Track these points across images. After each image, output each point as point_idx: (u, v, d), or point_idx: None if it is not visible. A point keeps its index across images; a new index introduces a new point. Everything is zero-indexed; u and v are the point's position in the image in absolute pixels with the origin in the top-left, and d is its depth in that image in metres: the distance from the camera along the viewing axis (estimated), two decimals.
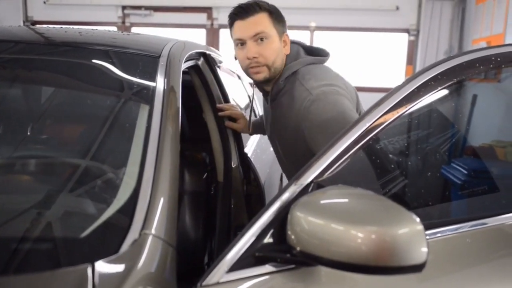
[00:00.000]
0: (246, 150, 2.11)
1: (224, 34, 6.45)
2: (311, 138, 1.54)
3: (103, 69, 1.42)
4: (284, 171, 1.97)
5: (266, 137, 2.81)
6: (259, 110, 3.13)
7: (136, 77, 1.39)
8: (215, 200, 1.93)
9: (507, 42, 4.32)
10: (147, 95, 1.26)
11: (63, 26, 1.81)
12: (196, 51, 1.91)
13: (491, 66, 1.26)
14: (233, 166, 1.94)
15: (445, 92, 1.22)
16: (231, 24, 1.68)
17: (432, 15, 5.95)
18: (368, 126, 1.06)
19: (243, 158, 2.02)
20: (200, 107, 2.01)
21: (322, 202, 0.91)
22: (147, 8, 6.43)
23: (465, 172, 1.37)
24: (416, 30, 6.13)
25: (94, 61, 1.46)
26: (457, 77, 1.21)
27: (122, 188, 1.03)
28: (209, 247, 2.00)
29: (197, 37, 6.38)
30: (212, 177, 2.02)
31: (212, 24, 6.39)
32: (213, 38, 6.44)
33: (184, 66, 1.68)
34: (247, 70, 1.69)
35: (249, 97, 3.00)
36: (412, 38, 6.19)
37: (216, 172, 1.96)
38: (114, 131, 1.24)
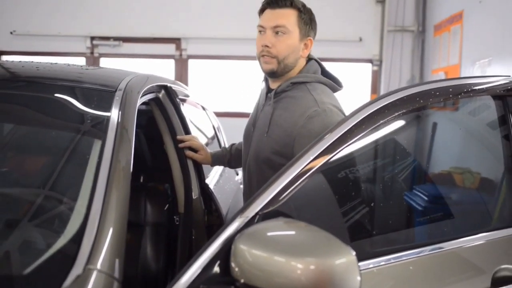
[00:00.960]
0: (207, 181, 2.13)
1: (193, 65, 6.51)
2: (299, 147, 1.54)
3: (58, 104, 1.43)
4: (245, 185, 1.92)
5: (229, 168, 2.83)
6: (225, 141, 3.16)
7: (90, 112, 1.41)
8: (176, 231, 1.93)
9: (462, 73, 4.53)
10: (100, 129, 1.28)
11: (21, 60, 1.81)
12: (157, 84, 1.94)
13: (431, 99, 1.34)
14: (194, 197, 1.95)
15: (388, 124, 1.29)
16: (262, 11, 1.75)
17: (393, 46, 6.17)
18: (312, 159, 1.10)
19: (204, 189, 2.03)
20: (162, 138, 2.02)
21: (264, 234, 0.93)
22: (116, 39, 6.45)
23: (417, 200, 1.43)
24: (379, 61, 6.33)
25: (49, 96, 1.47)
26: (399, 110, 1.28)
27: (69, 223, 1.03)
28: (170, 279, 1.98)
29: (166, 68, 6.42)
30: (174, 208, 2.02)
31: (180, 55, 6.44)
32: (181, 69, 6.49)
33: (144, 98, 1.71)
34: (259, 58, 1.75)
35: (213, 127, 3.04)
36: (375, 68, 6.39)
37: (177, 203, 1.96)
38: (65, 166, 1.25)
